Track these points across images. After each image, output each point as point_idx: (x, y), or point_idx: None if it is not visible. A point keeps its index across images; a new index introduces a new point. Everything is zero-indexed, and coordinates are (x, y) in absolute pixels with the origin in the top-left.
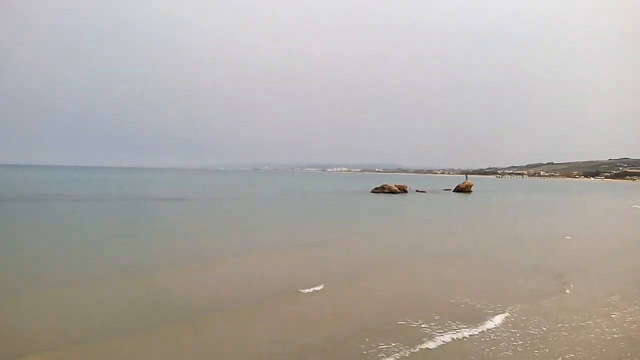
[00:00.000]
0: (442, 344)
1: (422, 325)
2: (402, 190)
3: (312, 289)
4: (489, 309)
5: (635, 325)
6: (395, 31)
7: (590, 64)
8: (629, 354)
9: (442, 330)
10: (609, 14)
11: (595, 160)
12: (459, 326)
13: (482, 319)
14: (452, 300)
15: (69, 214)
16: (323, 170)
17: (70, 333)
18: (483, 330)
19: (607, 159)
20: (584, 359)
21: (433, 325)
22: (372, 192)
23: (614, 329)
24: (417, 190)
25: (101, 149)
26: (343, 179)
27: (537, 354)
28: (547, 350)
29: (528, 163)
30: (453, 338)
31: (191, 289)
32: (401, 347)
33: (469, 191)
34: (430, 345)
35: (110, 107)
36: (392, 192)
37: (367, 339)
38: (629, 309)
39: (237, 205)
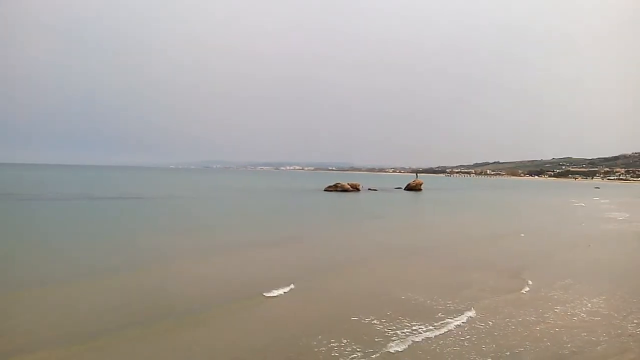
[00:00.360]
0: (409, 345)
1: (387, 326)
2: (355, 188)
3: (276, 291)
4: (451, 308)
5: (591, 319)
6: (340, 37)
7: (536, 69)
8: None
9: (407, 331)
10: (543, 17)
11: (539, 159)
12: (424, 325)
13: (445, 317)
14: (415, 300)
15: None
16: (276, 169)
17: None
18: (446, 330)
19: (551, 158)
20: (544, 354)
21: (398, 325)
22: (325, 190)
23: (573, 324)
24: (369, 189)
25: (49, 145)
26: (296, 177)
27: (498, 350)
28: (509, 345)
29: (475, 162)
30: (417, 339)
31: (148, 293)
32: (365, 349)
33: (419, 189)
34: (397, 346)
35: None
36: (345, 190)
37: (333, 342)
38: (585, 303)
39: (188, 204)
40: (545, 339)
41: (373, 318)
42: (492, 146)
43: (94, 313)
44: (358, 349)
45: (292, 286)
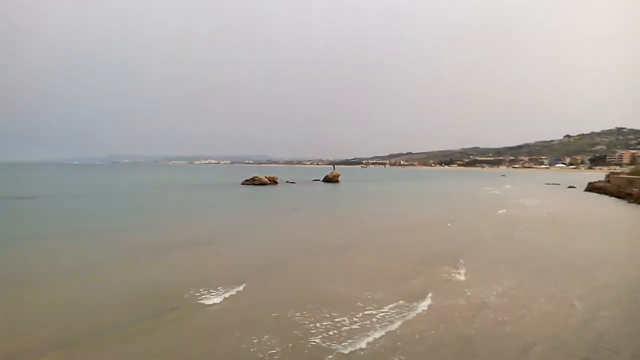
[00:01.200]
0: (356, 348)
1: (331, 329)
2: (273, 181)
3: (208, 298)
4: (396, 300)
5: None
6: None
7: (443, 63)
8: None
9: (355, 330)
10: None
11: (448, 149)
12: (372, 322)
13: (390, 310)
14: (354, 294)
15: None
16: (190, 163)
17: None
18: (396, 326)
19: (460, 148)
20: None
21: (346, 324)
22: (242, 184)
23: (517, 313)
24: (287, 182)
25: None
26: (212, 171)
27: (450, 339)
28: (460, 333)
29: (390, 153)
30: (363, 339)
31: (64, 306)
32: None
33: (337, 181)
34: (349, 347)
35: None
36: (263, 183)
37: (275, 348)
38: (520, 291)
39: (90, 202)
40: (489, 325)
41: (312, 318)
42: (406, 138)
43: None
44: (304, 353)
45: (224, 291)
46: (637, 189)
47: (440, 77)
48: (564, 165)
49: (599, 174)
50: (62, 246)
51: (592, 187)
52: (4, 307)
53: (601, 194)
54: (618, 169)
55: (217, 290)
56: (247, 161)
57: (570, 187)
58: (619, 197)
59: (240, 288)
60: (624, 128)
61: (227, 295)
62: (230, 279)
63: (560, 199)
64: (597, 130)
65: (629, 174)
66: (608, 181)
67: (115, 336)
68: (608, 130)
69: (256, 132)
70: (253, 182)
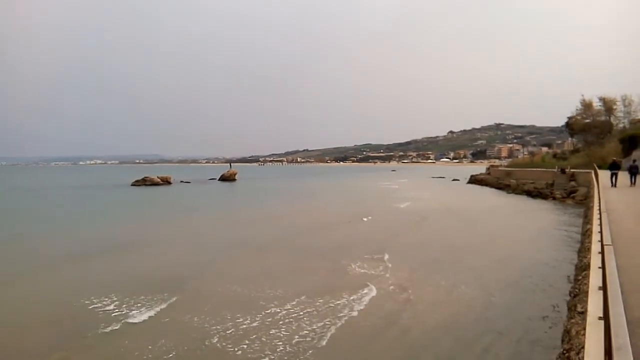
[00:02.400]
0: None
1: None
2: (166, 181)
3: (117, 319)
4: (334, 297)
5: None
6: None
7: (336, 59)
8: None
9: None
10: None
11: (343, 146)
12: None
13: (334, 308)
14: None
15: None
16: (74, 164)
17: None
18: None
19: (353, 145)
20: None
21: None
22: (132, 185)
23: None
24: (181, 181)
25: None
26: (98, 172)
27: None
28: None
29: (287, 150)
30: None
31: None
32: None
33: (234, 179)
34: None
35: None
36: (155, 184)
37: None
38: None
39: None
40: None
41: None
42: (302, 135)
43: None
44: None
45: (131, 309)
46: (514, 181)
47: (332, 74)
48: (448, 160)
49: (480, 167)
50: None
51: (473, 180)
52: None
53: (482, 186)
54: (497, 162)
55: (120, 308)
56: (137, 161)
57: (454, 179)
58: (499, 188)
59: (146, 304)
60: (502, 124)
61: (131, 315)
62: (135, 293)
63: (449, 191)
64: (478, 126)
65: (507, 166)
66: (488, 174)
67: None
68: (488, 125)
69: (145, 130)
70: (144, 182)
